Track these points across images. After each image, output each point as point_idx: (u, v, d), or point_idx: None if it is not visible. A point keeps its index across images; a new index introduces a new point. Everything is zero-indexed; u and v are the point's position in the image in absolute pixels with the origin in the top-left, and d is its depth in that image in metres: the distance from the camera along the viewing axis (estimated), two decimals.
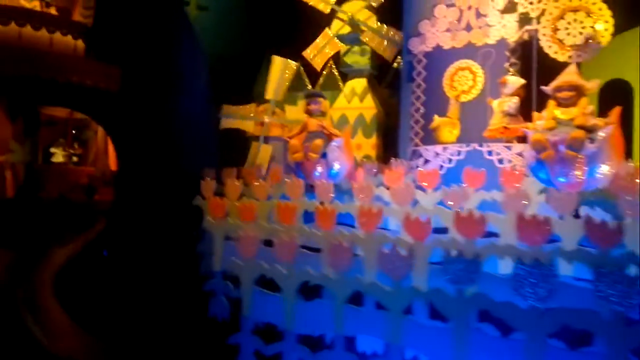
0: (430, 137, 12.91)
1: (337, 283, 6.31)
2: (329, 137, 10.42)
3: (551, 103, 8.47)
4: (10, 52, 14.28)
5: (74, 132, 18.86)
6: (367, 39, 16.68)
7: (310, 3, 16.57)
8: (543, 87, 8.76)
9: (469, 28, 12.33)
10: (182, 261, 11.98)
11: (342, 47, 17.16)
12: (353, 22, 16.34)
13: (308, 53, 17.01)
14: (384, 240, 7.50)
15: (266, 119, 15.91)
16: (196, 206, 11.45)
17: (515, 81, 11.24)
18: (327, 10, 16.67)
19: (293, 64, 17.26)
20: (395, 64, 17.91)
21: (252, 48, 20.09)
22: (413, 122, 13.53)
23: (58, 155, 17.67)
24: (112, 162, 17.41)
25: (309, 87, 19.21)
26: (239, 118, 16.41)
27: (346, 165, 10.58)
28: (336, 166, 10.39)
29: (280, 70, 16.96)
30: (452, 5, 12.79)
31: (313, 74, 18.59)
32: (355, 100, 16.69)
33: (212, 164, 16.05)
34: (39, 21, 15.01)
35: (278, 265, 6.88)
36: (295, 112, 16.96)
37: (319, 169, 10.32)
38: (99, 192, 16.38)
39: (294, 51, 18.12)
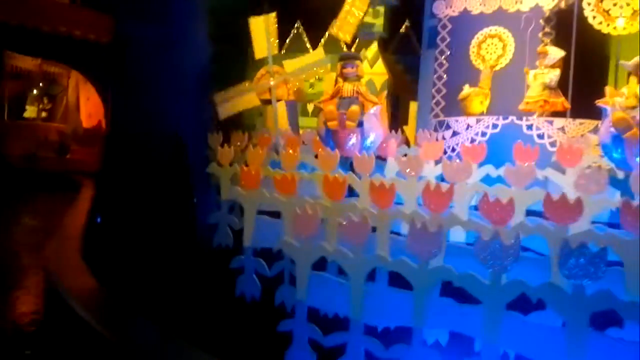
0: (454, 107, 12.26)
1: (420, 273, 5.63)
2: (363, 104, 9.59)
3: (632, 80, 7.89)
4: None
5: (41, 85, 17.45)
6: None
7: None
8: (623, 63, 8.15)
9: None
10: (183, 231, 11.15)
11: (361, 10, 16.04)
12: None
13: (334, 31, 15.84)
14: (467, 225, 6.85)
15: (272, 82, 14.82)
16: (201, 173, 10.64)
17: (556, 52, 10.64)
18: None
19: (272, 16, 15.87)
20: (402, 29, 17.09)
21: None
22: (435, 90, 12.83)
23: (30, 111, 16.33)
24: (84, 119, 16.19)
25: (308, 46, 18.15)
26: (238, 96, 15.20)
27: (380, 135, 9.82)
28: (371, 136, 9.60)
29: (264, 28, 15.64)
30: None
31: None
32: (364, 66, 15.76)
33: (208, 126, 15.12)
34: None
35: (343, 247, 6.15)
36: (295, 64, 15.69)
37: (353, 139, 9.53)
38: (70, 150, 15.19)
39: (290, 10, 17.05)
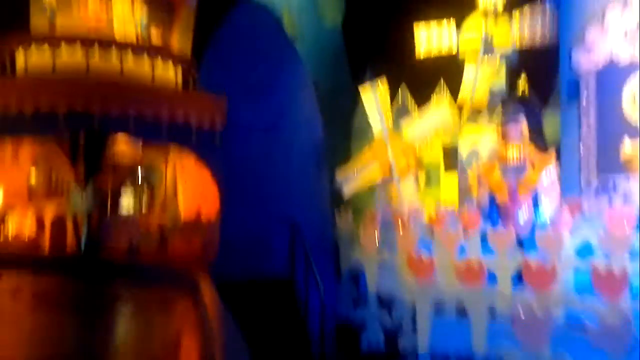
0: (612, 165, 10.90)
1: None
2: (533, 168, 8.44)
3: None
4: (111, 88, 12.80)
5: (140, 176, 17.08)
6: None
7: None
8: None
9: None
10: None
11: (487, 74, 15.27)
12: (487, 40, 14.50)
13: (463, 99, 15.13)
14: None
15: (390, 155, 13.90)
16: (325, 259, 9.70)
17: None
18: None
19: (381, 84, 15.23)
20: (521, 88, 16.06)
21: (350, 77, 18.54)
22: (584, 148, 11.55)
23: (127, 203, 15.85)
24: (182, 208, 15.59)
25: (412, 109, 17.22)
26: (360, 171, 14.38)
27: (556, 205, 8.58)
28: (546, 207, 8.37)
29: (373, 97, 15.00)
30: (628, 5, 10.94)
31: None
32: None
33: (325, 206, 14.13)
34: (140, 53, 13.58)
35: None
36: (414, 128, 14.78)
37: (525, 211, 8.33)
38: (170, 241, 14.36)
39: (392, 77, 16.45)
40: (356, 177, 14.37)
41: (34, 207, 13.51)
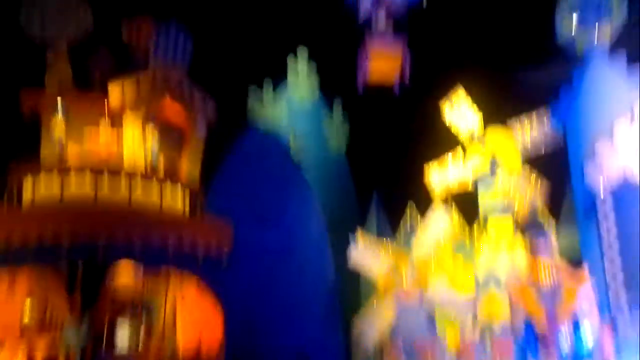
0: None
1: None
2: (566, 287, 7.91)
3: None
4: (118, 217, 12.42)
5: (137, 309, 16.07)
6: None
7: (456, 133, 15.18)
8: None
9: None
10: None
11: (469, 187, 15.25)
12: (493, 162, 14.57)
13: (431, 181, 14.99)
14: None
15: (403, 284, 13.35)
16: None
17: None
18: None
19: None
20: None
21: (356, 202, 18.44)
22: (608, 263, 11.14)
23: (123, 337, 14.74)
24: (181, 342, 14.59)
25: (414, 225, 16.80)
26: (375, 317, 13.94)
27: (597, 327, 7.97)
28: (588, 333, 7.74)
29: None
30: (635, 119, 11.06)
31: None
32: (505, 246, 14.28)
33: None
34: (149, 182, 13.08)
35: None
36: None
37: (565, 337, 7.70)
38: None
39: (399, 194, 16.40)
40: (374, 323, 13.55)
41: (26, 342, 12.80)
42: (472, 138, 15.13)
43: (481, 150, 15.03)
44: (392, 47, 14.34)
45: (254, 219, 13.77)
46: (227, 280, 13.29)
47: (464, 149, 15.49)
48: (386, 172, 18.12)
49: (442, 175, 15.38)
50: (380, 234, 16.57)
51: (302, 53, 18.82)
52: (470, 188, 15.41)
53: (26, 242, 11.80)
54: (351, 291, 15.27)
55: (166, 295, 14.86)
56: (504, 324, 9.38)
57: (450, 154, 15.65)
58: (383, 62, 14.38)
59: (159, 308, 14.50)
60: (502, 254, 14.30)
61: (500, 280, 13.83)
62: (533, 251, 8.20)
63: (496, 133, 14.80)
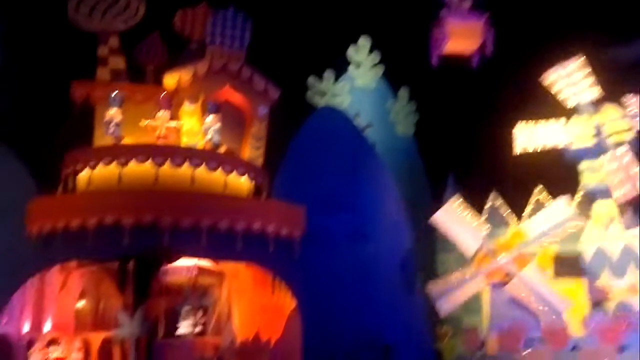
0: None
1: None
2: None
3: None
4: (182, 199, 11.35)
5: (193, 298, 15.18)
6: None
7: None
8: None
9: None
10: None
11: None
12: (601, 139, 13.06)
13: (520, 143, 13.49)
14: None
15: (503, 262, 11.87)
16: None
17: None
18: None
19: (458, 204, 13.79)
20: None
21: (428, 186, 17.09)
22: None
23: (184, 326, 14.07)
24: (238, 330, 13.63)
25: (510, 217, 15.13)
26: (461, 284, 12.55)
27: None
28: None
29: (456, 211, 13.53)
30: None
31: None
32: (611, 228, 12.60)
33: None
34: (211, 161, 12.07)
35: None
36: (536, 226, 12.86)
37: None
38: None
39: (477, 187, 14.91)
40: (455, 292, 12.28)
41: (81, 336, 12.74)
42: (580, 110, 13.61)
43: (588, 123, 13.52)
44: (471, 23, 13.55)
45: (327, 202, 12.46)
46: (299, 268, 12.01)
47: (561, 120, 13.98)
48: (461, 153, 16.72)
49: (534, 137, 13.81)
50: None
51: (365, 40, 17.91)
52: (564, 157, 13.83)
53: (85, 227, 10.92)
54: (429, 276, 13.81)
55: (221, 287, 14.02)
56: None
57: (547, 119, 14.11)
58: (462, 39, 13.53)
59: (214, 299, 13.95)
60: (610, 236, 12.74)
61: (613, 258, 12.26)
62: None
63: (609, 108, 13.37)
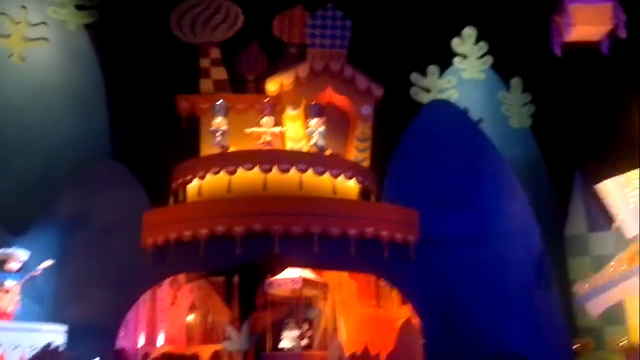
0: None
1: None
2: None
3: None
4: (292, 204, 10.93)
5: (298, 311, 14.78)
6: None
7: None
8: None
9: None
10: None
11: None
12: None
13: None
14: None
15: None
16: None
17: None
18: None
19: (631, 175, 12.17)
20: None
21: (550, 182, 15.71)
22: None
23: (288, 340, 13.70)
24: (346, 344, 12.98)
25: None
26: (612, 285, 11.10)
27: None
28: None
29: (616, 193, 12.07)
30: None
31: None
32: None
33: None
34: (318, 165, 11.45)
35: None
36: None
37: None
38: None
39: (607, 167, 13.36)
40: (606, 292, 10.89)
41: (191, 352, 12.99)
42: None
43: None
44: (599, 5, 12.19)
45: (443, 202, 11.54)
46: (416, 275, 11.19)
47: None
48: (591, 146, 15.12)
49: None
50: (591, 216, 13.63)
51: (470, 30, 16.91)
52: None
53: (198, 239, 10.70)
54: (561, 285, 12.51)
55: (325, 300, 13.55)
56: None
57: None
58: (589, 25, 12.22)
59: (319, 312, 13.53)
60: None
61: None
62: None
63: None
